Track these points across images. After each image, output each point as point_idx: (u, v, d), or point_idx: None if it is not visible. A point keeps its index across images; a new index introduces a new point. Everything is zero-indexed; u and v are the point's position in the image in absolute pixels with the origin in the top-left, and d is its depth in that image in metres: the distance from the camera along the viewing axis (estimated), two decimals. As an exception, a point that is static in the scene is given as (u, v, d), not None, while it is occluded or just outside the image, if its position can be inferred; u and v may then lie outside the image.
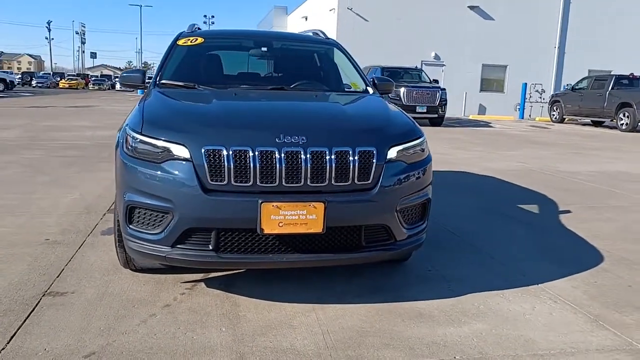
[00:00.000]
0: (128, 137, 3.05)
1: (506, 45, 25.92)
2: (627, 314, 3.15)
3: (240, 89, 4.00)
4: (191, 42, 4.45)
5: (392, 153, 3.07)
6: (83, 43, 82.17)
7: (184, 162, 2.84)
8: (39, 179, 6.61)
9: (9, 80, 39.41)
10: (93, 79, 65.97)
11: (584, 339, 2.82)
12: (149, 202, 2.89)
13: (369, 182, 2.97)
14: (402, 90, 17.39)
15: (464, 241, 4.52)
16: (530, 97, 26.61)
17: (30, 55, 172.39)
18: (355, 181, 2.93)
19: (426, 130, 17.59)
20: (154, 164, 2.90)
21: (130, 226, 3.01)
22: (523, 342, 2.77)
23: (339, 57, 4.72)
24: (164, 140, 2.90)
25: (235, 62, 4.70)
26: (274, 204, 2.78)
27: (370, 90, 4.27)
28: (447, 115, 18.96)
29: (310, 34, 5.24)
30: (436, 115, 17.98)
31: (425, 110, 17.63)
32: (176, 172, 2.83)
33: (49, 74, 67.27)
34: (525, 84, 25.57)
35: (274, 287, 3.33)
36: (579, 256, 4.23)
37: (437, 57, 25.72)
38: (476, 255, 4.14)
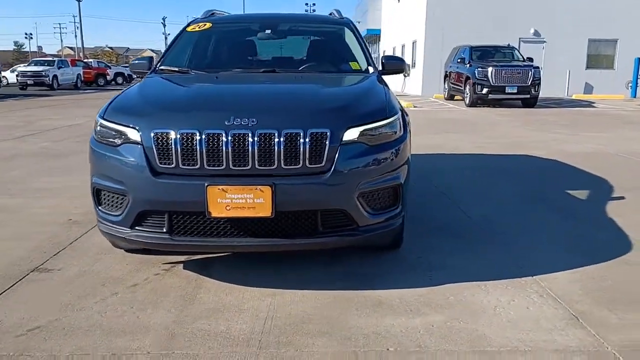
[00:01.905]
0: (96, 123, 3.18)
1: (616, 18, 23.61)
2: (618, 312, 2.78)
3: (226, 73, 4.00)
4: (199, 28, 4.51)
5: (350, 134, 2.92)
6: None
7: (136, 146, 2.90)
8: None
9: (127, 74, 42.99)
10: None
11: (547, 338, 2.53)
12: (109, 184, 3.00)
13: (322, 165, 2.85)
14: (490, 70, 16.53)
15: (481, 229, 4.22)
16: (645, 73, 24.09)
17: (152, 50, 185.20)
18: (307, 164, 2.83)
19: (513, 112, 16.14)
20: (112, 147, 3.00)
21: (99, 208, 3.14)
22: (475, 337, 2.54)
23: (349, 37, 4.56)
24: (120, 124, 2.99)
25: (240, 47, 4.67)
26: (220, 187, 2.76)
27: (371, 70, 4.09)
28: (547, 95, 17.75)
29: (331, 15, 5.11)
30: (528, 96, 16.88)
31: (515, 91, 16.66)
32: (129, 156, 2.91)
33: (164, 67, 71.83)
34: (639, 58, 23.19)
35: (249, 272, 3.31)
36: (603, 247, 3.79)
37: (536, 33, 24.05)
38: (483, 245, 3.85)
